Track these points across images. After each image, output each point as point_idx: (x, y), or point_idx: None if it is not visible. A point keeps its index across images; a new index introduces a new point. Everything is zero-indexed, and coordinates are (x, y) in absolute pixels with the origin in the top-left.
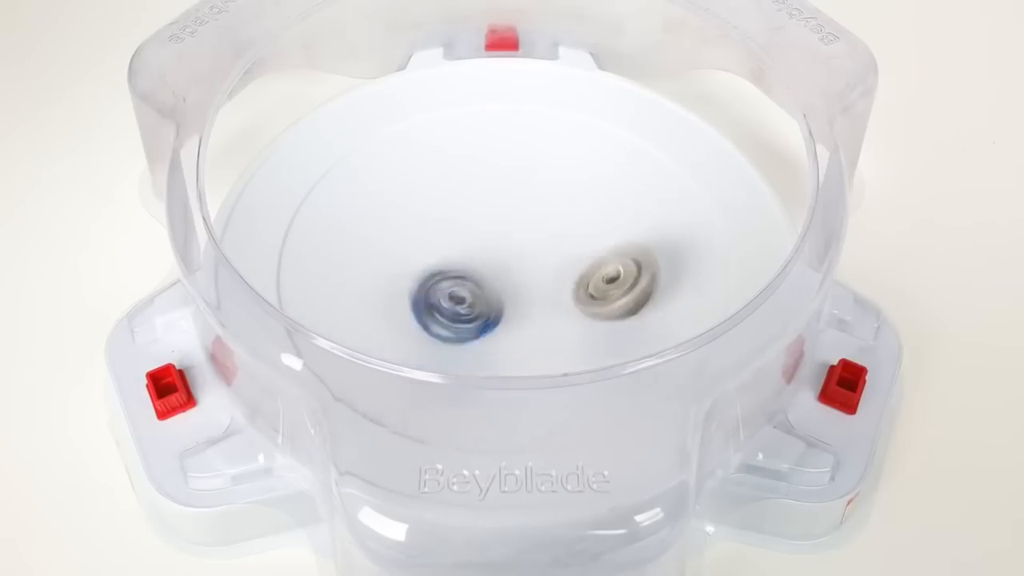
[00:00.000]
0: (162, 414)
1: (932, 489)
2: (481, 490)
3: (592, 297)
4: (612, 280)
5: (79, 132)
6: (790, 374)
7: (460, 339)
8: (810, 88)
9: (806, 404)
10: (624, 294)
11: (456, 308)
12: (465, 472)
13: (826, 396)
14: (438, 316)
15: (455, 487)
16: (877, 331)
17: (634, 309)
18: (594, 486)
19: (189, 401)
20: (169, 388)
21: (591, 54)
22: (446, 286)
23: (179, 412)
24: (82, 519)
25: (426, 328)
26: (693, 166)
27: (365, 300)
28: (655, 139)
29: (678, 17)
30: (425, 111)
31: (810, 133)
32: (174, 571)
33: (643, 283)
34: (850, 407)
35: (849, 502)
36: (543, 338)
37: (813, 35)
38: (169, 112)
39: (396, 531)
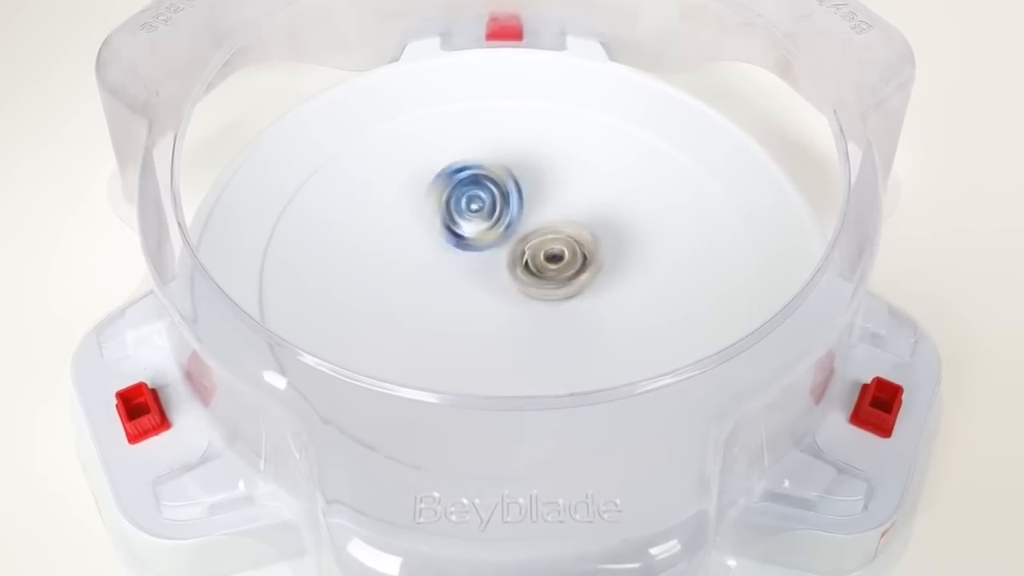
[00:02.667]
0: (133, 437)
1: (974, 518)
2: (482, 520)
3: (531, 273)
4: (554, 259)
5: (43, 129)
6: (819, 393)
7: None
8: (841, 81)
9: (837, 426)
10: (572, 277)
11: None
12: (464, 500)
13: (858, 417)
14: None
15: (453, 517)
16: (914, 346)
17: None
18: (605, 516)
19: (163, 423)
20: (141, 409)
21: (602, 44)
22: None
23: (152, 435)
24: (46, 550)
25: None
26: (712, 166)
27: (355, 312)
28: (671, 137)
29: (696, 4)
30: (420, 107)
31: (841, 130)
32: None
33: (587, 273)
34: (885, 429)
35: (884, 533)
36: (555, 345)
37: (844, 23)
38: (141, 107)
39: (389, 565)
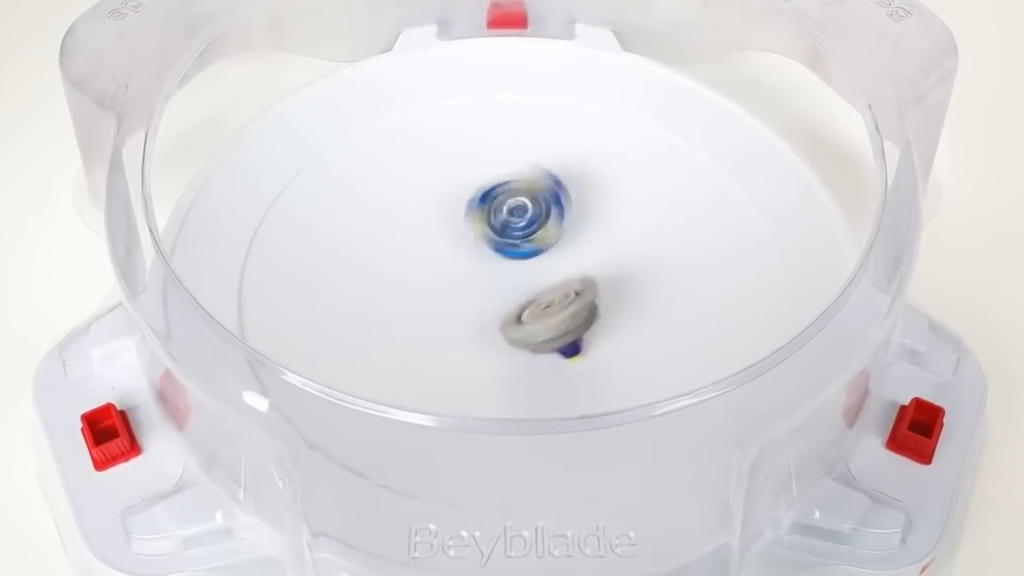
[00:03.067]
0: (100, 464)
1: (1022, 552)
2: (483, 555)
3: (519, 321)
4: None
5: (1, 126)
6: (852, 416)
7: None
8: (876, 73)
9: (872, 452)
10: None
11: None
12: (464, 533)
13: (896, 442)
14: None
15: (451, 551)
16: (957, 364)
17: (559, 334)
18: (618, 550)
19: (132, 448)
20: (109, 433)
21: (614, 32)
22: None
23: (121, 461)
24: None
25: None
26: (735, 166)
27: (344, 327)
28: (690, 134)
29: None
30: (415, 102)
31: (876, 127)
32: None
33: (573, 308)
34: (924, 455)
35: (924, 568)
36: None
37: (880, 10)
38: (109, 101)
39: None
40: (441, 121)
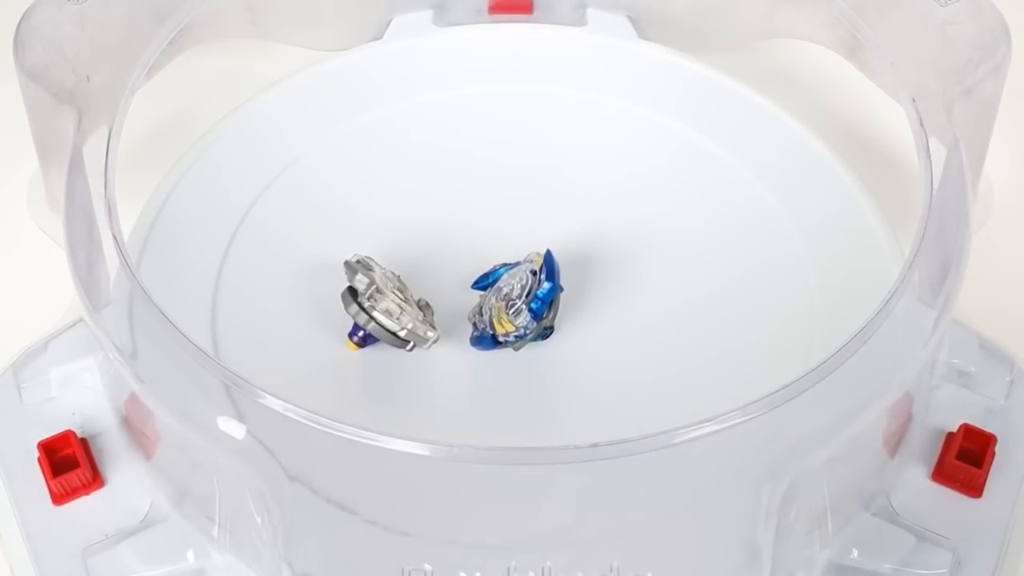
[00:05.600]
0: (59, 497)
1: None
2: None
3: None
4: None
5: None
6: (894, 444)
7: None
8: (920, 64)
9: (916, 484)
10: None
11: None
12: (462, 574)
13: (943, 474)
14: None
15: None
16: (1010, 387)
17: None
18: None
19: (95, 480)
20: (68, 463)
21: (629, 18)
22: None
23: (82, 495)
24: None
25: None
26: (764, 167)
27: (326, 347)
28: (713, 131)
29: None
30: (408, 94)
31: (920, 123)
32: None
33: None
34: (974, 488)
35: None
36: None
37: None
38: (68, 95)
39: None
40: (437, 117)
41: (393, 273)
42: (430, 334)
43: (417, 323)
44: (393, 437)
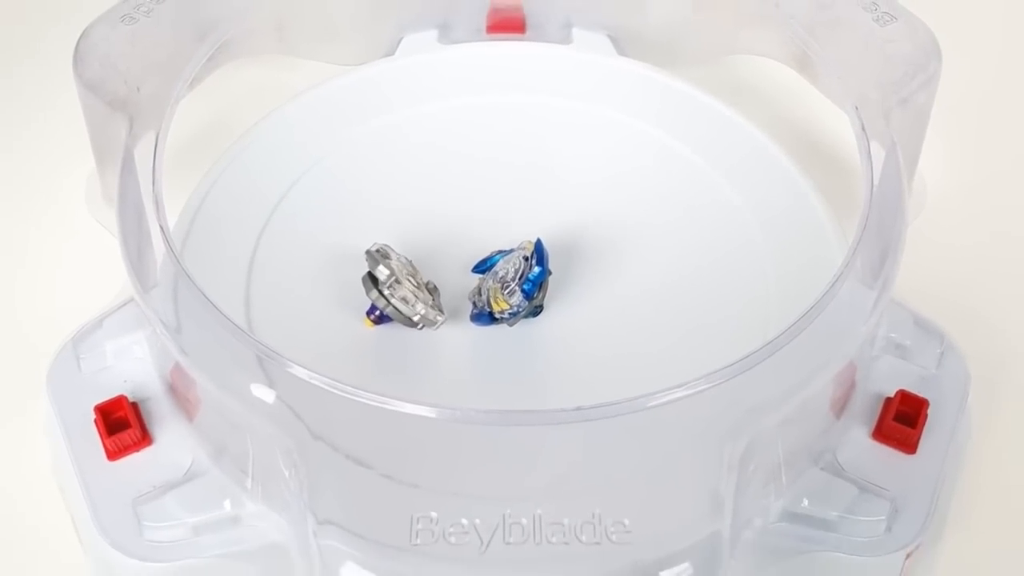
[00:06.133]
0: (113, 454)
1: (1005, 540)
2: (482, 542)
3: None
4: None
5: (16, 127)
6: (840, 408)
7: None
8: (863, 76)
9: (858, 442)
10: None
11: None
12: (464, 521)
13: (882, 433)
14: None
15: (452, 538)
16: (941, 358)
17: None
18: (613, 537)
19: (144, 439)
20: (121, 424)
21: (609, 37)
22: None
23: (132, 452)
24: None
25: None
26: (728, 167)
27: (348, 322)
28: (684, 136)
29: None
30: (417, 103)
31: (863, 128)
32: None
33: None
34: (909, 445)
35: (909, 555)
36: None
37: (867, 15)
38: (121, 104)
39: None
40: (441, 123)
41: (406, 259)
42: (439, 318)
43: (428, 308)
44: (404, 401)
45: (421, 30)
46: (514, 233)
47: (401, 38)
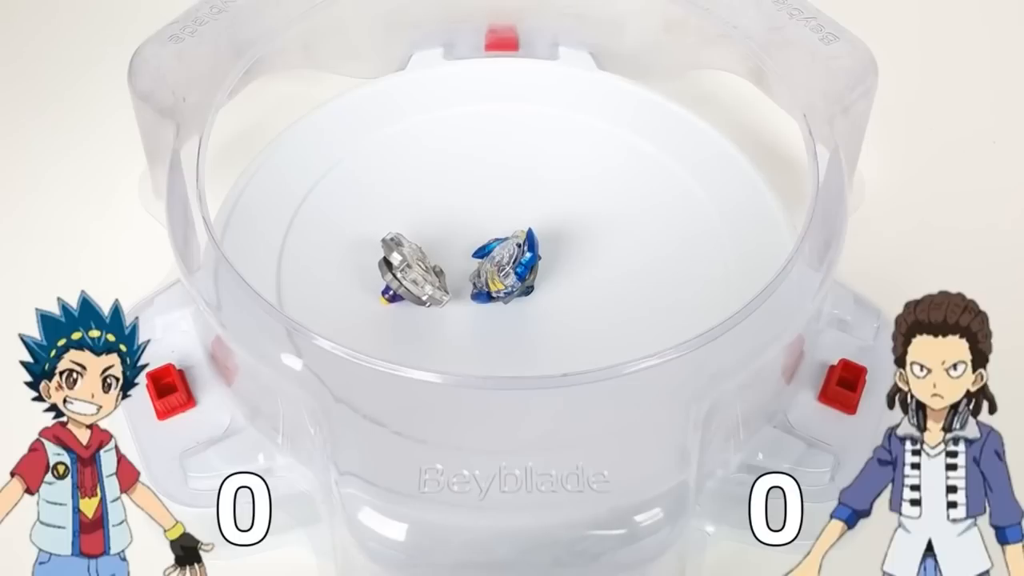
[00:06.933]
0: (162, 414)
1: None
2: (481, 490)
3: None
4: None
5: (79, 132)
6: (790, 374)
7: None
8: (810, 88)
9: (806, 404)
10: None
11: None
12: (465, 472)
13: (826, 396)
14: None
15: (455, 487)
16: (877, 331)
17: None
18: (594, 486)
19: (189, 401)
20: (169, 388)
21: (591, 54)
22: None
23: (179, 412)
24: None
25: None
26: (693, 166)
27: (365, 300)
28: (655, 139)
29: (678, 17)
30: (425, 111)
31: (810, 133)
32: None
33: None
34: (850, 407)
35: None
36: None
37: (813, 35)
38: (169, 112)
39: (396, 531)
40: (447, 129)
41: (416, 246)
42: (444, 298)
43: (435, 289)
44: (414, 369)
45: (429, 48)
46: (509, 223)
47: (411, 55)
